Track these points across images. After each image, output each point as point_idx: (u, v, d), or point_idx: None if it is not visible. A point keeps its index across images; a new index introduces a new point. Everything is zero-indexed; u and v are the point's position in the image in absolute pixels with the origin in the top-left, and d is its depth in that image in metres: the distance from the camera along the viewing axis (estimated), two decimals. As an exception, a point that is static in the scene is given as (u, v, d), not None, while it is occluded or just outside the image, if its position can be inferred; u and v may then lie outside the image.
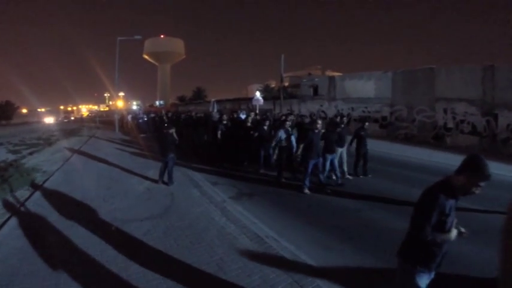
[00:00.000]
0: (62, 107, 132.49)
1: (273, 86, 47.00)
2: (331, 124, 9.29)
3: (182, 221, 6.08)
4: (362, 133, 9.61)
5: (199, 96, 62.24)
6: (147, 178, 9.46)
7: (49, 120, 57.96)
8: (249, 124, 11.65)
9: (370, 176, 9.67)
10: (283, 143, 9.52)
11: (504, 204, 6.67)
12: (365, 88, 22.28)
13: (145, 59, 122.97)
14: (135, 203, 7.27)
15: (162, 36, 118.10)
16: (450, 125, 17.28)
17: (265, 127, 10.49)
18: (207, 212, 6.62)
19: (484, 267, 4.42)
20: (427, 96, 18.30)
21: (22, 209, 7.03)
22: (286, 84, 39.62)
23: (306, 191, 8.09)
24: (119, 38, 27.20)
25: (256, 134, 10.57)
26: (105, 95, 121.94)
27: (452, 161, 12.26)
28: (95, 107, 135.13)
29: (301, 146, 8.55)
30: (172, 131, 8.92)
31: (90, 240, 5.29)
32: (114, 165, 11.55)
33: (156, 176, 9.13)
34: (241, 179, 9.65)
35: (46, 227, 5.90)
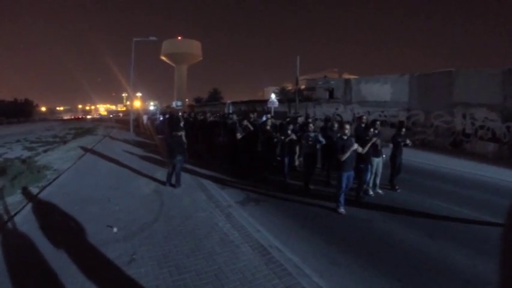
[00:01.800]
0: (80, 106, 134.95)
1: (290, 88, 46.71)
2: (366, 128, 8.37)
3: (185, 226, 5.91)
4: (399, 140, 8.70)
5: (215, 97, 62.40)
6: (155, 180, 9.35)
7: (89, 116, 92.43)
8: (268, 127, 10.76)
9: (398, 190, 8.70)
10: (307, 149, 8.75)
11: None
12: (381, 92, 21.80)
13: (163, 60, 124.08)
14: (140, 205, 7.14)
15: (179, 37, 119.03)
16: (469, 131, 16.72)
17: (289, 131, 9.56)
18: (212, 217, 6.43)
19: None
20: (445, 101, 17.72)
21: (29, 205, 7.01)
22: (303, 87, 39.30)
23: (342, 210, 6.98)
24: (135, 39, 27.34)
25: (282, 138, 9.59)
26: (123, 94, 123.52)
27: (471, 169, 11.97)
28: (113, 107, 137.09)
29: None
30: (181, 133, 8.78)
31: (91, 240, 5.22)
32: (124, 165, 11.51)
33: (164, 178, 9.01)
34: (250, 183, 9.38)
35: (51, 225, 5.85)
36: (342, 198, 7.02)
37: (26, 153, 14.61)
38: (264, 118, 14.30)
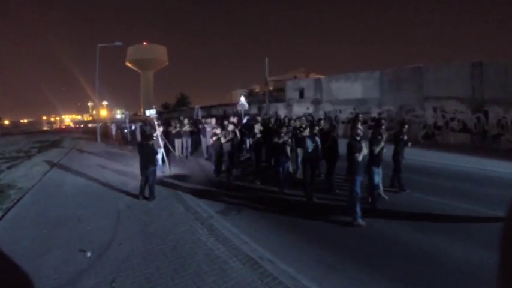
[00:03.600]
0: (44, 118, 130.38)
1: (257, 90, 46.75)
2: (375, 127, 7.63)
3: (165, 244, 5.45)
4: (401, 137, 8.14)
5: (183, 103, 61.65)
6: (127, 193, 8.80)
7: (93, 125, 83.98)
8: (256, 131, 10.04)
9: (408, 190, 8.09)
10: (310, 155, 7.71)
11: (498, 201, 6.50)
12: (352, 89, 21.96)
13: (128, 67, 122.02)
14: (113, 223, 6.61)
15: (144, 43, 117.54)
16: (440, 123, 17.07)
17: (282, 135, 8.76)
18: (193, 230, 6.00)
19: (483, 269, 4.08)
20: (416, 95, 18.07)
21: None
22: (271, 88, 39.32)
23: (360, 221, 6.07)
24: (99, 45, 26.57)
25: (282, 141, 8.64)
26: (88, 104, 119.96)
27: (445, 160, 12.13)
28: (78, 117, 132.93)
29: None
30: (153, 142, 8.30)
31: (63, 269, 4.67)
32: (94, 179, 10.87)
33: (137, 191, 8.48)
34: (227, 190, 9.06)
35: (17, 254, 5.24)
36: (358, 208, 6.09)
37: (-12, 172, 13.67)
38: (245, 120, 13.94)
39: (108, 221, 6.73)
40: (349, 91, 22.12)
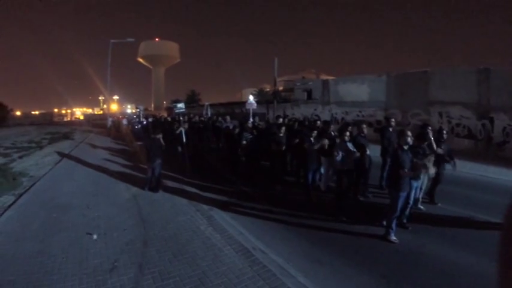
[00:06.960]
0: (56, 110, 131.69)
1: (268, 90, 46.91)
2: (419, 137, 6.58)
3: (166, 231, 5.83)
4: (441, 146, 7.21)
5: (193, 99, 61.84)
6: (134, 185, 9.18)
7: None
8: (281, 135, 9.08)
9: (439, 204, 7.49)
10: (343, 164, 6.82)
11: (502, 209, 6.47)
12: (359, 92, 22.09)
13: (140, 62, 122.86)
14: (119, 211, 7.01)
15: (157, 39, 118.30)
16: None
17: (312, 139, 7.82)
18: (193, 220, 6.36)
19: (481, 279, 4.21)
20: (422, 100, 18.12)
21: (5, 214, 6.79)
22: (280, 88, 39.54)
23: (393, 237, 5.59)
24: (112, 41, 27.15)
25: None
26: (100, 98, 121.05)
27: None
28: (89, 110, 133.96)
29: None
30: (159, 136, 8.68)
31: (70, 250, 5.06)
32: (103, 170, 11.28)
33: (143, 183, 8.87)
34: (230, 185, 9.36)
35: (27, 235, 5.66)
36: (394, 224, 5.65)
37: (0, 160, 14.15)
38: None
39: (115, 209, 7.13)
40: (356, 93, 22.25)
